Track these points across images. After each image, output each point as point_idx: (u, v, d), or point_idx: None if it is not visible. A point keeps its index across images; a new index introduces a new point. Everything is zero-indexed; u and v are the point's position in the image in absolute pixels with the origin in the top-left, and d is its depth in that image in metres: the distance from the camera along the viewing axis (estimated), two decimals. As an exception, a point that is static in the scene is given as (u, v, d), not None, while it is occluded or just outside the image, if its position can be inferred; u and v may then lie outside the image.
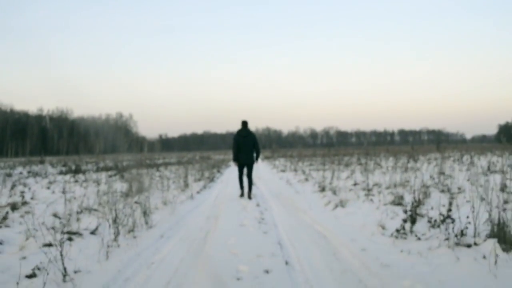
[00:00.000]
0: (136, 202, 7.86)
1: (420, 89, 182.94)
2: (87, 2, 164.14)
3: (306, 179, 11.28)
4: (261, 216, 5.88)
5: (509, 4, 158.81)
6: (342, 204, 5.94)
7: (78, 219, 6.35)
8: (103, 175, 17.22)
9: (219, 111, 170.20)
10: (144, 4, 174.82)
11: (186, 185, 11.51)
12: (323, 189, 8.40)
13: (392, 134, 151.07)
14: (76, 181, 14.23)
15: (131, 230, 4.96)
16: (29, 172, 21.90)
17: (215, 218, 5.87)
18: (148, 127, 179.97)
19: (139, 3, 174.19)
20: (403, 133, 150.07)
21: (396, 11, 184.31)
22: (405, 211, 4.32)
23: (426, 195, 6.58)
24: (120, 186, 11.12)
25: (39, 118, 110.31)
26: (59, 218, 6.25)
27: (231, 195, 9.22)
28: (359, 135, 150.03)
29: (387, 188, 8.48)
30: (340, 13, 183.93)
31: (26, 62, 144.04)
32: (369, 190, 7.33)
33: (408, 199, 6.03)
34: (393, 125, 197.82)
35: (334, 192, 7.59)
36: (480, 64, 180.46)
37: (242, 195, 8.48)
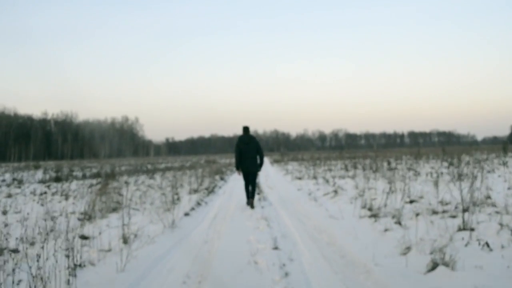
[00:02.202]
0: (83, 237, 5.06)
1: (429, 90, 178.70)
2: (92, 5, 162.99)
3: (335, 192, 8.38)
4: (287, 284, 3.00)
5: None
6: (443, 260, 3.01)
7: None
8: (85, 183, 14.52)
9: (226, 114, 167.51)
10: (149, 7, 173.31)
11: (176, 199, 8.71)
12: (373, 213, 5.50)
13: (401, 136, 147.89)
14: (44, 193, 11.51)
15: None
16: (14, 179, 19.44)
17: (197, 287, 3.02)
18: (155, 131, 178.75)
19: (144, 6, 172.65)
20: (413, 135, 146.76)
21: (404, 12, 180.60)
22: None
23: None
24: (91, 201, 8.26)
25: (43, 122, 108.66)
26: None
27: (234, 218, 6.37)
28: (368, 137, 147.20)
29: (465, 210, 5.58)
30: (345, 15, 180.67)
31: (30, 65, 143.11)
32: (460, 219, 4.42)
33: None
34: (403, 127, 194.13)
35: (398, 221, 4.69)
36: (491, 65, 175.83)
37: (249, 205, 7.63)
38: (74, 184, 14.55)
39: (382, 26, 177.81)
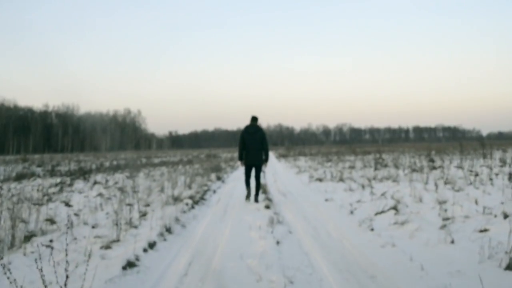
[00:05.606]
0: None
1: (434, 85, 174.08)
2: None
3: (396, 210, 5.08)
4: None
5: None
6: None
7: None
8: (45, 184, 11.30)
9: (230, 108, 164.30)
10: (153, 0, 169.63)
11: (139, 217, 5.50)
12: None
13: (406, 131, 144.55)
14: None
15: None
16: (-17, 175, 16.40)
17: None
18: (158, 124, 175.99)
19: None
20: (417, 130, 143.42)
21: (411, 5, 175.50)
22: None
23: None
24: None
25: (44, 114, 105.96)
26: None
27: (224, 278, 3.09)
28: (373, 132, 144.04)
29: None
30: (352, 8, 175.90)
31: (31, 57, 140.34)
32: None
33: None
34: (408, 121, 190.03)
35: None
36: (495, 59, 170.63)
37: (248, 197, 7.18)
38: (30, 185, 11.29)
39: (387, 21, 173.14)
